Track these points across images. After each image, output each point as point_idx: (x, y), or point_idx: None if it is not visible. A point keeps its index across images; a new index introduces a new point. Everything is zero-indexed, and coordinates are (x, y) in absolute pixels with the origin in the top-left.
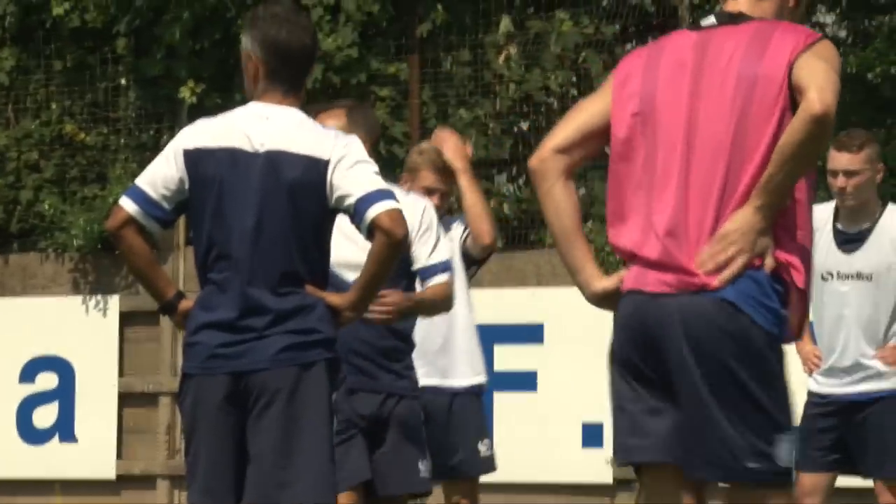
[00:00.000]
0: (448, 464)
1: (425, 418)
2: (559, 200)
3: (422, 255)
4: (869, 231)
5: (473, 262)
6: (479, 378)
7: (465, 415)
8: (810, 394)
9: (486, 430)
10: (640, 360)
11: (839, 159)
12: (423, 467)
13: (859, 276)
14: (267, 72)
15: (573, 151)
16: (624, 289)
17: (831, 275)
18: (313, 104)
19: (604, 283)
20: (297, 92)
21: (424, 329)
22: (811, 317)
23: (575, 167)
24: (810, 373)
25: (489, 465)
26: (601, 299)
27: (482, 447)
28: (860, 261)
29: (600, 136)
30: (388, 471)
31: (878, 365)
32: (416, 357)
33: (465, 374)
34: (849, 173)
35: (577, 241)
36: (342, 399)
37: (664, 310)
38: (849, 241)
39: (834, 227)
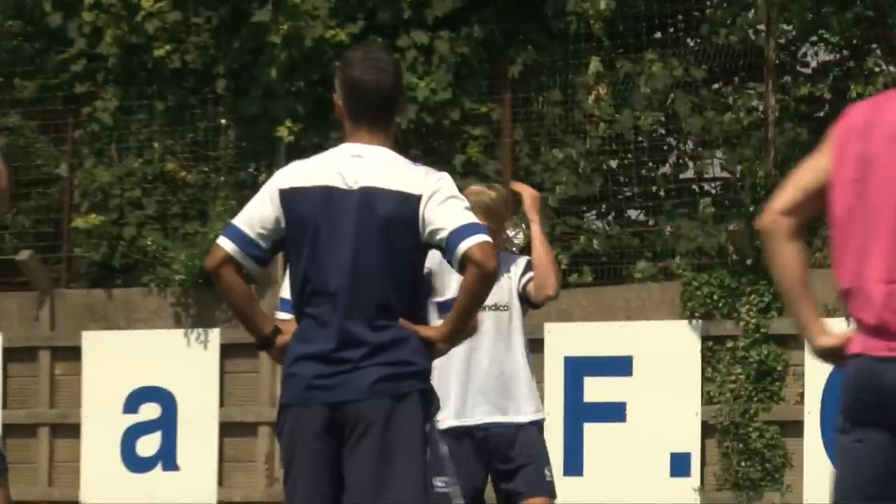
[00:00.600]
0: (517, 489)
1: (491, 452)
2: (786, 260)
3: None
4: None
5: (532, 305)
6: (540, 414)
7: (530, 442)
8: None
9: (548, 459)
10: (872, 421)
11: None
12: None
13: None
14: (348, 112)
15: (799, 212)
16: (851, 351)
17: None
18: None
19: (827, 340)
20: (384, 131)
21: (485, 366)
22: None
23: (802, 225)
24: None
25: (552, 490)
26: (826, 355)
27: (547, 472)
28: None
29: (825, 194)
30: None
31: None
32: (479, 394)
33: (528, 411)
34: None
35: (803, 298)
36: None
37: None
38: None
39: None
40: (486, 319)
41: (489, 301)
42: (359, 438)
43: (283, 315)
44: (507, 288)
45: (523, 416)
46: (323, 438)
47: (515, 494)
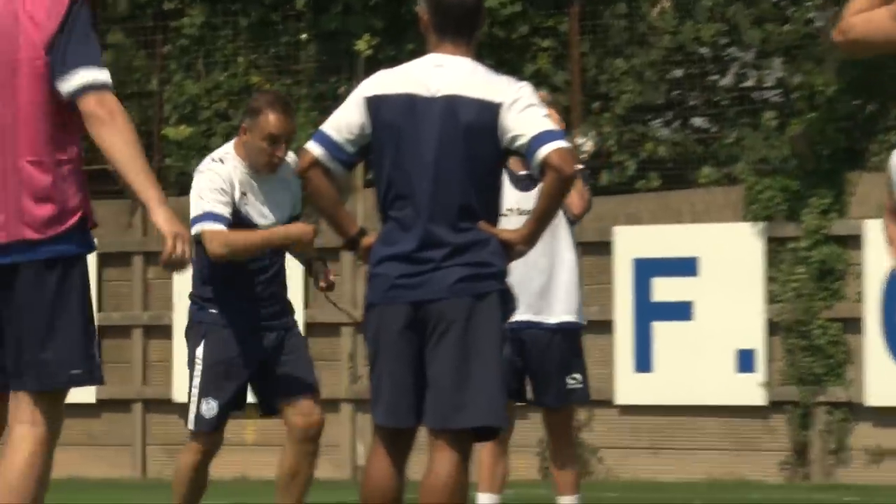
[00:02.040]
0: (542, 395)
1: (524, 350)
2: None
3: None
4: None
5: (568, 220)
6: (573, 317)
7: (560, 351)
8: None
9: (580, 365)
10: None
11: None
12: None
13: None
14: (433, 25)
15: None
16: None
17: None
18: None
19: None
20: (467, 43)
21: (522, 268)
22: None
23: None
24: None
25: (579, 396)
26: None
27: (570, 381)
28: None
29: None
30: None
31: None
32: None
33: (559, 312)
34: None
35: None
36: None
37: None
38: None
39: None
40: (518, 225)
41: (525, 207)
42: (440, 336)
43: (212, 226)
44: None
45: (555, 317)
46: (406, 336)
47: (543, 405)
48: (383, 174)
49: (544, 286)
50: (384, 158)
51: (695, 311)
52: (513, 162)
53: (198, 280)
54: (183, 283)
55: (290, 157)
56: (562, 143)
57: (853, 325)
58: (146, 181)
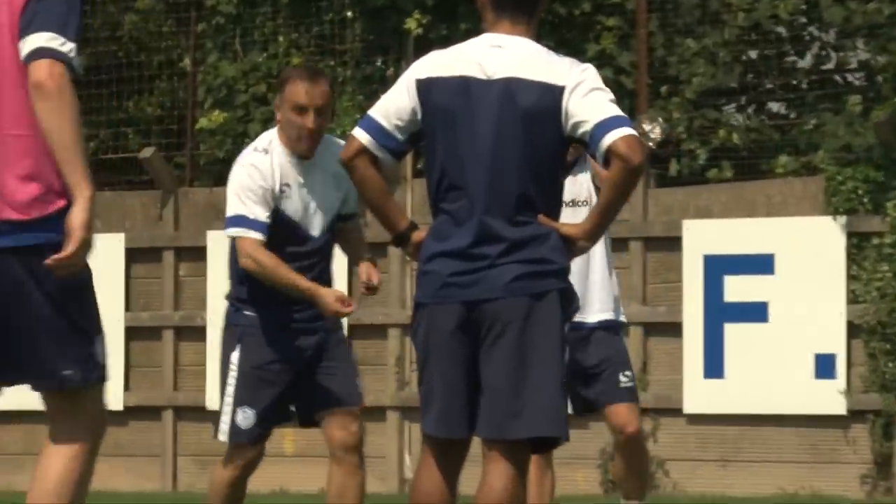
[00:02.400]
0: (591, 397)
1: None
2: None
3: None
4: None
5: None
6: (611, 315)
7: (604, 346)
8: None
9: (626, 362)
10: None
11: None
12: None
13: None
14: (490, 3)
15: None
16: None
17: None
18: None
19: None
20: (528, 22)
21: None
22: None
23: None
24: None
25: (630, 395)
26: None
27: (623, 377)
28: None
29: None
30: None
31: None
32: None
33: (597, 310)
34: None
35: None
36: None
37: None
38: None
39: None
40: (562, 216)
41: (566, 197)
42: (496, 338)
43: (247, 233)
44: (584, 184)
45: (593, 316)
46: (458, 337)
47: (591, 403)
48: (435, 163)
49: (579, 287)
50: (436, 146)
51: (770, 313)
52: None
53: (234, 279)
54: (218, 281)
55: (341, 143)
56: (629, 130)
57: None
58: (80, 171)
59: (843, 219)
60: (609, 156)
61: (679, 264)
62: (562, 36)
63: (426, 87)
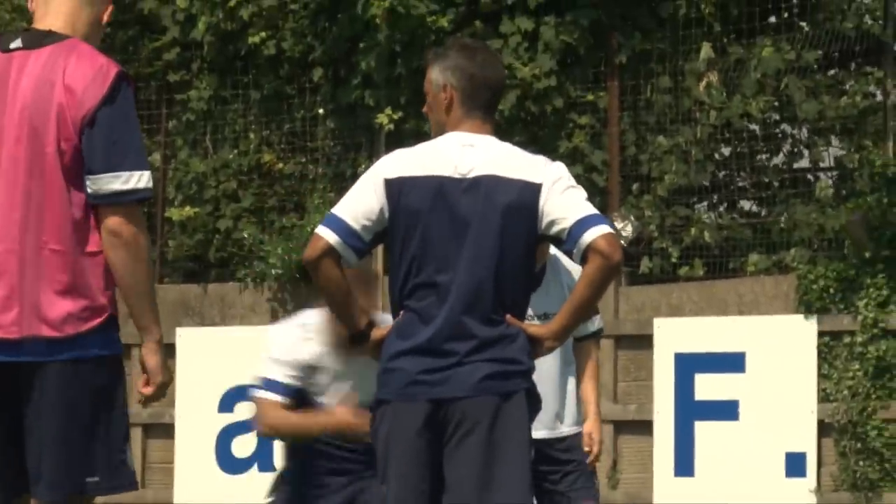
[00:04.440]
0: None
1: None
2: None
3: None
4: None
5: None
6: (552, 432)
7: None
8: None
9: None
10: None
11: None
12: None
13: None
14: (463, 100)
15: None
16: None
17: None
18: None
19: None
20: (492, 121)
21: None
22: None
23: None
24: None
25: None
26: None
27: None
28: None
29: None
30: None
31: None
32: None
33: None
34: None
35: None
36: None
37: None
38: None
39: None
40: None
41: (539, 310)
42: (463, 436)
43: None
44: (557, 297)
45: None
46: (424, 436)
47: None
48: (402, 262)
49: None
50: (406, 245)
51: (741, 411)
52: None
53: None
54: (187, 378)
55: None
56: (609, 228)
57: None
58: (151, 315)
59: (814, 317)
60: (588, 253)
61: (650, 362)
62: (534, 133)
63: (396, 187)
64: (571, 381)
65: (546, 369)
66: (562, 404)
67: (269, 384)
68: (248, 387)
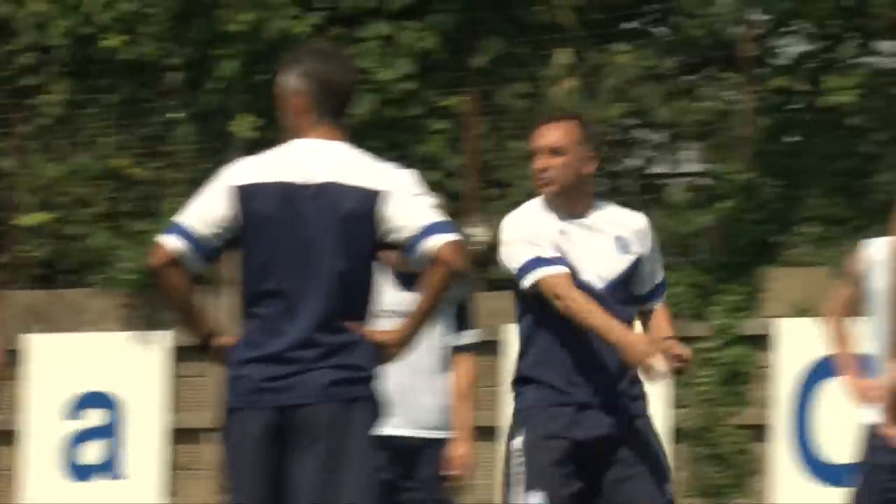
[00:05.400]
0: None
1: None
2: None
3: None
4: None
5: None
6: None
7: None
8: (874, 426)
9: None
10: None
11: None
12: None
13: None
14: (315, 106)
15: None
16: None
17: None
18: (361, 136)
19: None
20: (342, 126)
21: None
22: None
23: None
24: (869, 405)
25: None
26: None
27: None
28: None
29: None
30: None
31: None
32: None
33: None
34: None
35: None
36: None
37: None
38: None
39: None
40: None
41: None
42: (309, 443)
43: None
44: None
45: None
46: (270, 442)
47: None
48: (251, 269)
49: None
50: (253, 252)
51: None
52: (395, 258)
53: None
54: (35, 384)
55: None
56: (453, 235)
57: (762, 432)
58: None
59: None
60: (431, 260)
61: (499, 369)
62: (391, 138)
63: (245, 194)
64: (444, 387)
65: (418, 368)
66: (430, 407)
67: (548, 261)
68: (525, 266)
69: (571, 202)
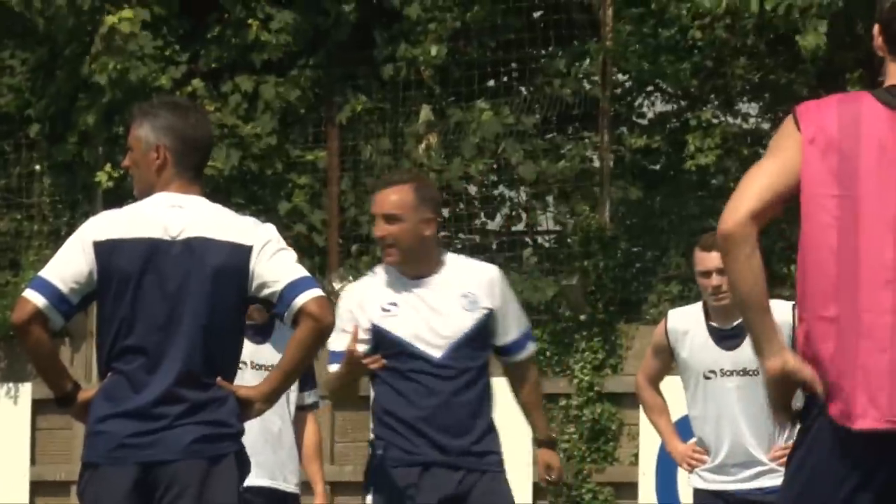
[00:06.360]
0: None
1: None
2: (757, 268)
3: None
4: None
5: None
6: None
7: None
8: (698, 492)
9: None
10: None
11: (711, 259)
12: None
13: (745, 371)
14: (175, 160)
15: (766, 214)
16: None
17: (714, 373)
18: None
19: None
20: (200, 181)
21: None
22: (691, 414)
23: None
24: (691, 470)
25: None
26: (784, 374)
27: None
28: (745, 355)
29: (790, 196)
30: None
31: (769, 461)
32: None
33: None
34: (722, 271)
35: (769, 313)
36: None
37: None
38: (727, 337)
39: (708, 325)
40: (246, 379)
41: (252, 358)
42: (173, 500)
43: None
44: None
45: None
46: (132, 499)
47: None
48: (112, 324)
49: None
50: (115, 307)
51: None
52: (251, 311)
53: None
54: None
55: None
56: (320, 292)
57: (627, 489)
58: None
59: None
60: (300, 316)
61: (367, 424)
62: (253, 193)
63: (106, 250)
64: (292, 441)
65: (267, 427)
66: (282, 461)
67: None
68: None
69: (414, 265)
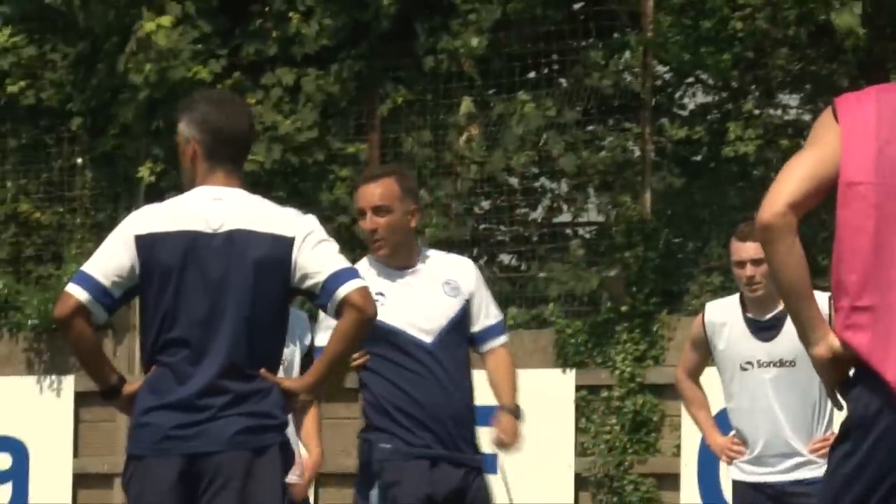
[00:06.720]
0: None
1: None
2: (798, 257)
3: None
4: (782, 316)
5: None
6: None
7: None
8: (737, 484)
9: None
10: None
11: (745, 249)
12: None
13: (782, 362)
14: (207, 154)
15: (805, 205)
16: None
17: (751, 364)
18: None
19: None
20: (239, 174)
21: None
22: (728, 406)
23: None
24: (730, 462)
25: None
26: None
27: None
28: (781, 346)
29: (829, 187)
30: None
31: (809, 453)
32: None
33: None
34: (756, 262)
35: (813, 300)
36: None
37: None
38: (764, 328)
39: (745, 317)
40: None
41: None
42: (217, 491)
43: None
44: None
45: None
46: (177, 491)
47: None
48: (156, 317)
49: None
50: (158, 300)
51: (499, 464)
52: None
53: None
54: None
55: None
56: (363, 283)
57: (668, 480)
58: None
59: (572, 371)
60: (343, 307)
61: None
62: (295, 185)
63: (147, 244)
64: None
65: None
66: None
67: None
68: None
69: (400, 256)
